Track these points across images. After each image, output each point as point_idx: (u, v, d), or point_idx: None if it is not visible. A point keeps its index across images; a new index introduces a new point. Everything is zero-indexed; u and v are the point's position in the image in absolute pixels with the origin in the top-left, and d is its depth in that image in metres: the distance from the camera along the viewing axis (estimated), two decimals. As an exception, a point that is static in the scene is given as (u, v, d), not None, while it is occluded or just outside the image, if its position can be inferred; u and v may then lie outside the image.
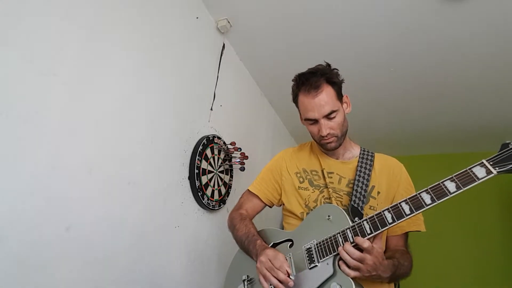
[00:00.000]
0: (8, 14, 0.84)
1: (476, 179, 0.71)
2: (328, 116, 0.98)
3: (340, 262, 0.83)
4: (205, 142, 1.63)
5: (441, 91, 2.28)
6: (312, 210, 1.04)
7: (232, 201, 1.81)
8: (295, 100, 1.06)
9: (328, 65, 1.05)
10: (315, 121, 1.00)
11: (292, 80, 1.06)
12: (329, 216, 0.93)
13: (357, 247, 0.81)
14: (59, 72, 0.97)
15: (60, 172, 0.95)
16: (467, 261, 2.95)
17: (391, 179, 1.04)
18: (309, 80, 0.98)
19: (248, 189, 1.21)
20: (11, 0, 0.85)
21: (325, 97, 0.97)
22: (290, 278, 0.85)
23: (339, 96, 1.02)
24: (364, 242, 0.79)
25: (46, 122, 0.92)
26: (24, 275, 0.83)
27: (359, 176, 1.02)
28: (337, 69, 1.04)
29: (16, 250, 0.82)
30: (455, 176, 0.74)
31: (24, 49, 0.88)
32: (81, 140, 1.02)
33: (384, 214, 0.81)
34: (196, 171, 1.54)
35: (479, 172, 0.71)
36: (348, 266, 0.82)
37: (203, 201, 1.56)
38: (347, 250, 0.81)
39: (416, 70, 2.08)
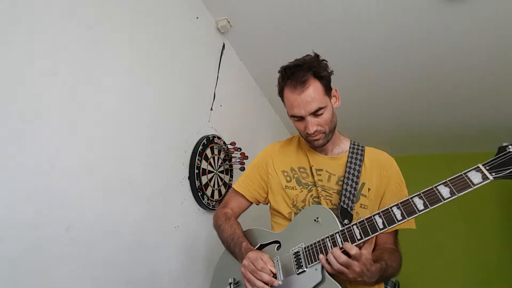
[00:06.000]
0: (8, 14, 0.84)
1: (471, 185, 0.68)
2: (315, 113, 0.92)
3: (326, 264, 0.80)
4: (205, 142, 1.63)
5: (440, 91, 2.28)
6: (300, 210, 1.00)
7: (232, 201, 1.81)
8: (281, 94, 0.99)
9: (317, 55, 0.96)
10: (301, 118, 0.94)
11: (278, 72, 0.98)
12: (317, 218, 0.89)
13: (346, 252, 0.79)
14: (59, 72, 0.97)
15: (60, 172, 0.95)
16: (465, 260, 2.95)
17: (381, 174, 1.00)
18: (295, 74, 0.91)
19: (233, 187, 1.15)
20: (11, 0, 0.85)
21: (311, 93, 0.90)
22: (276, 278, 0.83)
23: (327, 91, 0.95)
24: (352, 249, 0.76)
25: (46, 122, 0.92)
26: (24, 275, 0.83)
27: (349, 173, 0.98)
28: (326, 61, 0.96)
29: (16, 250, 0.82)
30: (449, 180, 0.71)
31: (24, 49, 0.88)
32: (81, 140, 1.02)
33: (374, 219, 0.78)
34: (196, 171, 1.54)
35: (475, 177, 0.68)
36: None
37: (203, 201, 1.56)
38: (334, 253, 0.78)
39: (416, 70, 2.08)
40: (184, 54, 1.58)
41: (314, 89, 0.91)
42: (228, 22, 1.82)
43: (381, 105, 2.55)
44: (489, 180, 0.67)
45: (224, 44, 1.91)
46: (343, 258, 0.77)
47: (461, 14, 1.60)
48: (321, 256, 0.81)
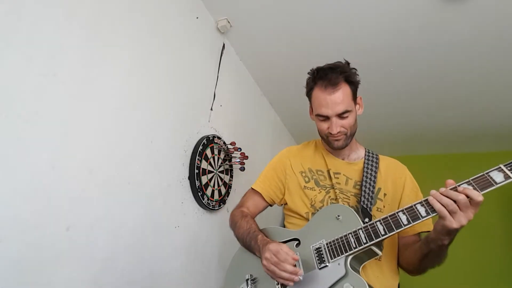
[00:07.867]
0: (8, 14, 0.84)
1: (494, 184, 0.71)
2: (341, 115, 0.97)
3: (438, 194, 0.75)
4: (205, 142, 1.63)
5: (440, 91, 2.28)
6: (318, 210, 1.02)
7: (232, 201, 1.81)
8: (309, 93, 1.04)
9: (347, 63, 1.02)
10: (327, 118, 0.99)
11: (308, 73, 1.04)
12: (338, 216, 0.92)
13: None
14: (59, 72, 0.97)
15: (60, 172, 0.95)
16: (466, 261, 2.94)
17: (396, 181, 1.04)
18: (328, 76, 0.96)
19: (252, 187, 1.19)
20: (11, 0, 0.85)
21: (341, 96, 0.95)
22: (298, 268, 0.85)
23: (354, 97, 1.01)
24: (480, 196, 0.71)
25: (46, 122, 0.92)
26: (24, 275, 0.83)
27: (366, 177, 1.02)
28: (356, 69, 1.02)
29: (16, 250, 0.82)
30: (472, 180, 0.74)
31: (24, 49, 0.88)
32: (81, 140, 1.02)
33: (398, 216, 0.80)
34: (196, 171, 1.54)
35: (497, 176, 0.71)
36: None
37: (203, 201, 1.56)
38: (451, 191, 0.74)
39: (416, 70, 2.08)
40: (184, 54, 1.58)
41: (343, 92, 0.96)
42: (228, 22, 1.82)
43: (381, 105, 2.55)
44: (510, 179, 0.70)
45: (224, 44, 1.91)
46: (465, 199, 0.72)
47: (462, 14, 1.60)
48: (433, 191, 0.77)
